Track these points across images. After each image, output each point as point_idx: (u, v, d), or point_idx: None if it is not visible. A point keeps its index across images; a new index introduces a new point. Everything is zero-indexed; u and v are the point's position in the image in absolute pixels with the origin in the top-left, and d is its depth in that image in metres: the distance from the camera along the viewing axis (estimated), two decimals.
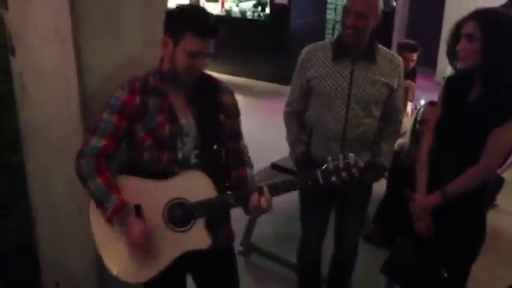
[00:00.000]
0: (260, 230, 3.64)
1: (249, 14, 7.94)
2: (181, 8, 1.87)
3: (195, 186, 1.87)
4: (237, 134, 2.05)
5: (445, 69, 5.87)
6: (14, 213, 2.45)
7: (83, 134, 2.08)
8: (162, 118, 1.86)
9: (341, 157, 1.84)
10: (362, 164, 1.84)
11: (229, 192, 1.96)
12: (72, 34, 1.94)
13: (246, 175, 2.04)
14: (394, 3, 4.08)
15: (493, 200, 4.17)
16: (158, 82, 1.88)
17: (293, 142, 2.58)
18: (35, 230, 2.50)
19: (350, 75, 2.36)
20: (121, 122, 1.84)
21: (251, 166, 2.08)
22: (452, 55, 2.14)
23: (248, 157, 2.08)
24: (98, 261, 2.22)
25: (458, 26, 2.09)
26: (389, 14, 5.22)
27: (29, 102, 2.27)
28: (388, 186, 3.50)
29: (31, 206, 2.47)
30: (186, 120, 1.90)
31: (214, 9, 8.19)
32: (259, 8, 7.93)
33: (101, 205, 1.82)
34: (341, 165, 1.83)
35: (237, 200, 1.89)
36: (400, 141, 3.24)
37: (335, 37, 2.46)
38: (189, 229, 1.87)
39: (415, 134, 3.12)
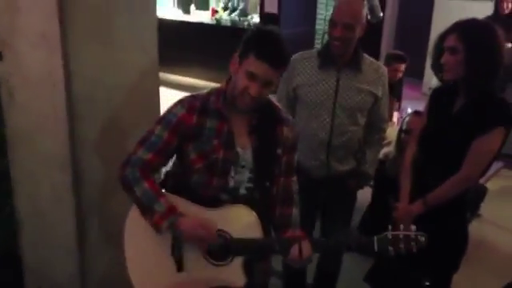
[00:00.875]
0: None
1: (239, 23, 7.99)
2: (256, 29, 1.80)
3: (241, 222, 1.79)
4: (290, 170, 1.93)
5: (431, 80, 5.95)
6: None
7: (69, 139, 2.09)
8: (218, 143, 1.78)
9: (402, 227, 1.77)
10: (423, 239, 1.75)
11: (273, 236, 1.89)
12: (60, 40, 1.96)
13: (291, 215, 1.93)
14: (381, 14, 4.14)
15: (477, 210, 4.22)
16: (220, 104, 1.78)
17: None
18: (20, 235, 2.49)
19: (335, 83, 2.40)
20: (172, 139, 1.77)
21: (297, 204, 1.97)
22: (437, 68, 2.18)
23: (296, 194, 1.98)
24: (82, 268, 2.23)
25: (441, 39, 2.14)
26: (377, 24, 5.29)
27: (15, 107, 2.27)
28: (373, 195, 3.53)
29: (16, 212, 2.46)
30: (243, 150, 1.81)
31: (205, 18, 8.24)
32: (249, 17, 7.98)
33: (148, 209, 1.74)
34: (400, 236, 1.74)
35: (281, 247, 1.78)
36: (385, 150, 3.28)
37: (322, 46, 2.51)
38: (226, 264, 1.78)
39: (400, 143, 3.16)
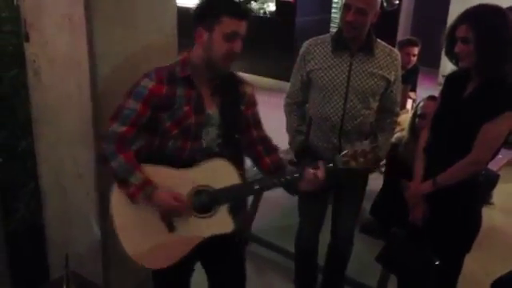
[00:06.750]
0: (259, 222, 3.73)
1: (256, 11, 8.02)
2: None
3: (219, 174, 1.92)
4: (259, 123, 2.12)
5: (446, 69, 5.93)
6: (23, 194, 2.54)
7: (93, 118, 2.17)
8: (189, 109, 1.89)
9: (358, 143, 1.99)
10: (378, 151, 1.99)
11: (252, 180, 2.03)
12: (85, 23, 2.04)
13: (281, 158, 2.14)
14: (397, 2, 4.14)
15: (489, 197, 4.24)
16: (186, 72, 1.89)
17: (293, 131, 2.66)
18: (44, 210, 2.59)
19: (348, 68, 2.44)
20: (145, 110, 1.86)
21: (279, 149, 2.19)
22: (451, 56, 2.23)
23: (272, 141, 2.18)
24: (104, 239, 2.33)
25: (453, 28, 2.17)
26: (394, 13, 5.29)
27: (41, 87, 2.36)
28: (385, 178, 3.57)
29: (40, 187, 2.56)
30: (212, 110, 1.94)
31: None
32: (265, 5, 8.00)
33: (124, 182, 1.85)
34: (359, 151, 1.98)
35: (261, 186, 1.97)
36: (398, 134, 3.31)
37: (335, 31, 2.54)
38: (212, 215, 1.92)
39: (414, 127, 3.19)
